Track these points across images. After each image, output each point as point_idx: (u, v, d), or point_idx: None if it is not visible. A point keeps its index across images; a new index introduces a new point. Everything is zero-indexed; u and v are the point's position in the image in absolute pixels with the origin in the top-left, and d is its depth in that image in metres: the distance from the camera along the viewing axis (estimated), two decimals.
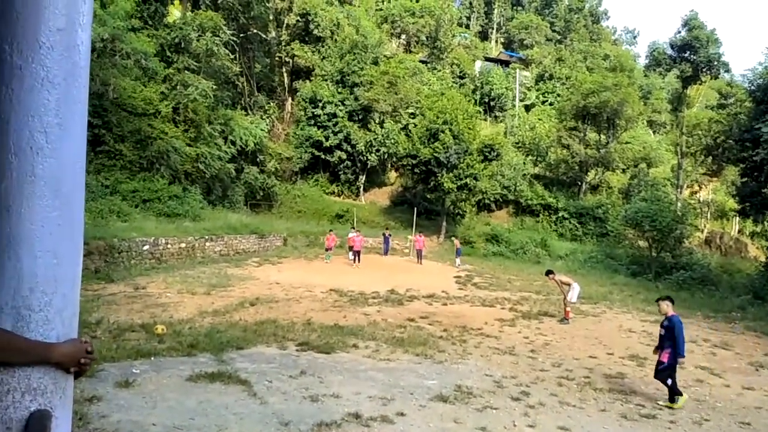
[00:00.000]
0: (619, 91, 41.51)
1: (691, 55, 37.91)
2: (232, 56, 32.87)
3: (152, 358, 8.26)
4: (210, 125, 30.01)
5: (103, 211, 21.08)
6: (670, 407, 8.08)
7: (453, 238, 32.27)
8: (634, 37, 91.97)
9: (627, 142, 48.54)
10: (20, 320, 1.45)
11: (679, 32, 39.01)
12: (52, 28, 1.47)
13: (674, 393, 8.23)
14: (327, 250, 26.26)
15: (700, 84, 41.97)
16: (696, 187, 43.68)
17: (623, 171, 48.11)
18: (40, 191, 1.46)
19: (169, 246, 21.12)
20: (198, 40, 29.06)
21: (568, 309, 14.72)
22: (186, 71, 28.62)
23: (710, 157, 37.91)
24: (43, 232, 1.46)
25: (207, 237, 23.76)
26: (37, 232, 1.45)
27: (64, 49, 1.48)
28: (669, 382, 8.22)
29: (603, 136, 44.96)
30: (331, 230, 28.63)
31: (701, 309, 19.21)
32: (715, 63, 38.37)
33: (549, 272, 15.75)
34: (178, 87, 28.07)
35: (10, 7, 1.45)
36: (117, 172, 25.09)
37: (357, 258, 25.38)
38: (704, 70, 38.40)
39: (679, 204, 35.41)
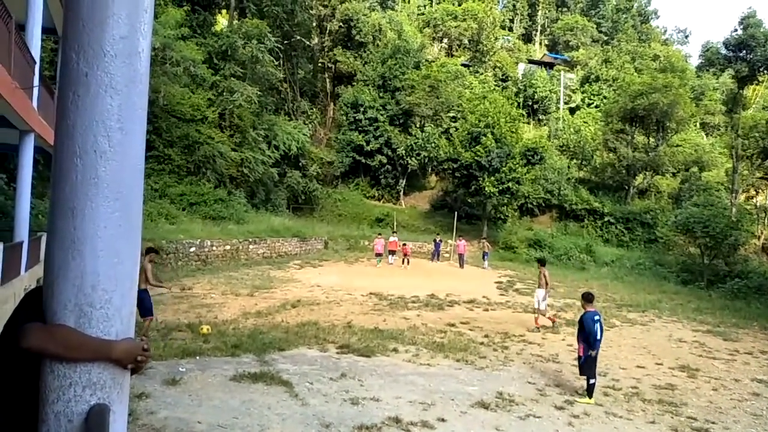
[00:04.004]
0: (670, 92, 40.06)
1: (748, 54, 36.28)
2: (276, 63, 33.54)
3: (198, 358, 8.48)
4: (254, 130, 30.68)
5: (152, 213, 21.83)
6: (586, 402, 8.05)
7: (483, 241, 31.89)
8: (686, 37, 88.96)
9: (678, 145, 46.81)
10: (82, 317, 1.51)
11: (735, 30, 37.45)
12: (116, 36, 1.53)
13: (589, 388, 8.27)
14: (377, 255, 26.37)
15: (757, 84, 40.14)
16: (752, 192, 41.65)
17: (673, 175, 46.39)
18: (103, 193, 1.51)
19: (214, 248, 21.68)
20: (244, 48, 29.78)
21: (549, 315, 13.87)
22: (232, 78, 29.36)
23: None
24: (105, 232, 1.51)
25: (250, 240, 24.26)
26: (100, 232, 1.51)
27: (126, 57, 1.54)
28: (592, 382, 8.26)
29: (652, 139, 43.48)
30: (379, 234, 28.68)
31: (758, 319, 18.29)
32: None
33: (542, 262, 14.93)
34: (224, 93, 28.84)
35: (76, 16, 1.52)
36: (166, 176, 25.97)
37: (406, 261, 26.74)
38: (762, 69, 36.67)
39: (734, 209, 33.86)
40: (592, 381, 8.28)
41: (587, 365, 8.34)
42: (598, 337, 8.39)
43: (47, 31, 13.82)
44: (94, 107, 1.51)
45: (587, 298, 8.86)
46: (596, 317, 8.55)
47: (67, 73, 1.53)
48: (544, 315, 13.72)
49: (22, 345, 1.49)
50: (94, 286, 1.50)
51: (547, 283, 13.76)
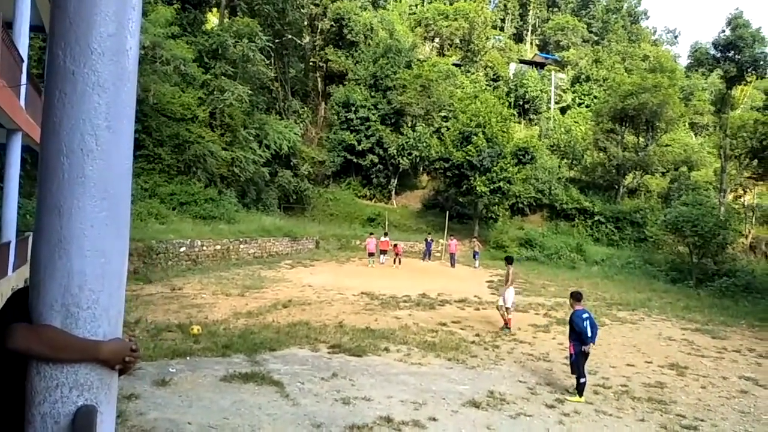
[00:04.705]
0: (659, 92, 40.41)
1: (736, 54, 36.65)
2: (267, 62, 33.40)
3: (188, 358, 8.43)
4: (245, 129, 30.53)
5: (142, 213, 21.66)
6: (577, 401, 8.13)
7: (474, 240, 31.94)
8: (675, 37, 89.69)
9: (667, 145, 47.25)
10: (69, 317, 1.49)
11: (723, 31, 37.79)
12: (103, 34, 1.51)
13: (579, 387, 8.36)
14: (370, 255, 26.32)
15: (745, 84, 40.49)
16: (740, 191, 42.03)
17: (663, 174, 46.80)
18: (90, 192, 1.50)
19: (204, 248, 21.56)
20: (235, 47, 29.62)
21: (509, 317, 13.27)
22: (223, 77, 29.20)
23: (756, 160, 36.47)
24: (92, 231, 1.50)
25: (241, 239, 24.15)
26: (87, 231, 1.49)
27: (113, 54, 1.53)
28: (582, 380, 8.35)
29: (642, 139, 43.84)
30: (371, 233, 28.61)
31: (746, 317, 18.50)
32: (761, 62, 36.94)
33: (509, 260, 14.32)
34: (215, 92, 28.67)
35: (63, 14, 1.50)
36: (156, 176, 25.77)
37: (397, 261, 26.90)
38: (749, 70, 37.03)
39: (722, 208, 34.20)
40: (582, 380, 8.35)
41: (578, 363, 8.41)
42: (589, 333, 8.48)
43: (35, 29, 13.67)
44: (81, 105, 1.50)
45: (576, 297, 8.95)
46: (584, 315, 8.63)
47: (54, 71, 1.51)
48: (504, 313, 13.30)
49: (8, 345, 1.48)
50: (81, 286, 1.49)
51: (512, 281, 13.41)
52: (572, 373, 8.61)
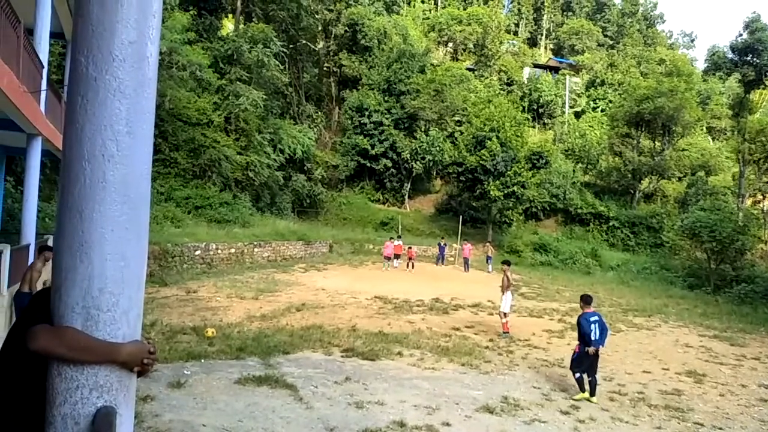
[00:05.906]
0: (676, 96, 39.97)
1: (754, 58, 36.24)
2: (281, 67, 33.63)
3: (203, 361, 8.49)
4: (260, 134, 30.76)
5: (158, 216, 21.87)
6: (581, 398, 8.31)
7: (487, 244, 31.75)
8: (692, 41, 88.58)
9: (684, 149, 46.69)
10: (89, 320, 1.52)
11: (741, 35, 37.40)
12: (125, 41, 1.54)
13: (579, 383, 8.53)
14: (386, 258, 26.30)
15: (763, 88, 39.97)
16: (759, 196, 41.39)
17: (679, 179, 46.23)
18: (111, 196, 1.52)
19: (219, 251, 21.71)
20: (250, 52, 29.89)
21: (504, 321, 13.02)
22: (238, 82, 29.46)
23: None
24: (112, 235, 1.52)
25: (255, 243, 24.29)
26: (107, 235, 1.52)
27: (134, 61, 1.56)
28: (576, 376, 8.54)
29: (658, 143, 43.36)
30: (391, 238, 28.57)
31: (765, 325, 18.17)
32: None
33: (506, 263, 13.96)
34: (230, 97, 28.93)
35: (85, 22, 1.54)
36: (171, 180, 26.06)
37: (411, 265, 26.90)
38: None
39: (740, 214, 33.70)
40: (576, 375, 8.53)
41: (576, 361, 8.58)
42: (595, 337, 8.53)
43: (55, 35, 13.93)
44: (103, 111, 1.52)
45: (585, 300, 9.01)
46: (592, 318, 8.67)
47: (76, 78, 1.54)
48: (502, 318, 13.10)
49: (30, 347, 1.50)
50: (101, 289, 1.51)
51: (509, 285, 13.13)
52: (570, 368, 8.77)
